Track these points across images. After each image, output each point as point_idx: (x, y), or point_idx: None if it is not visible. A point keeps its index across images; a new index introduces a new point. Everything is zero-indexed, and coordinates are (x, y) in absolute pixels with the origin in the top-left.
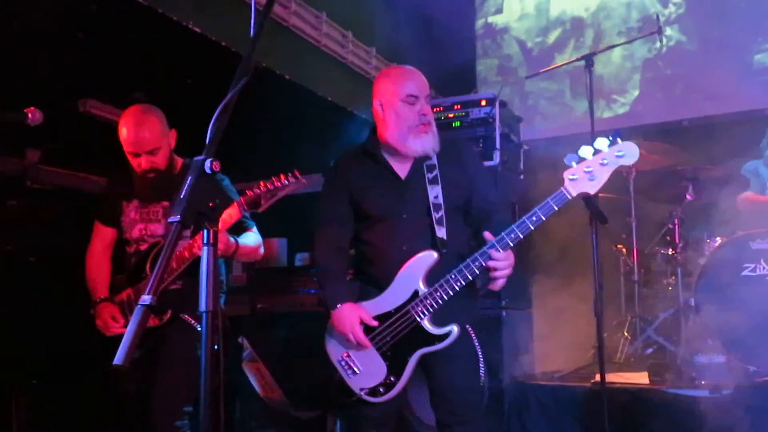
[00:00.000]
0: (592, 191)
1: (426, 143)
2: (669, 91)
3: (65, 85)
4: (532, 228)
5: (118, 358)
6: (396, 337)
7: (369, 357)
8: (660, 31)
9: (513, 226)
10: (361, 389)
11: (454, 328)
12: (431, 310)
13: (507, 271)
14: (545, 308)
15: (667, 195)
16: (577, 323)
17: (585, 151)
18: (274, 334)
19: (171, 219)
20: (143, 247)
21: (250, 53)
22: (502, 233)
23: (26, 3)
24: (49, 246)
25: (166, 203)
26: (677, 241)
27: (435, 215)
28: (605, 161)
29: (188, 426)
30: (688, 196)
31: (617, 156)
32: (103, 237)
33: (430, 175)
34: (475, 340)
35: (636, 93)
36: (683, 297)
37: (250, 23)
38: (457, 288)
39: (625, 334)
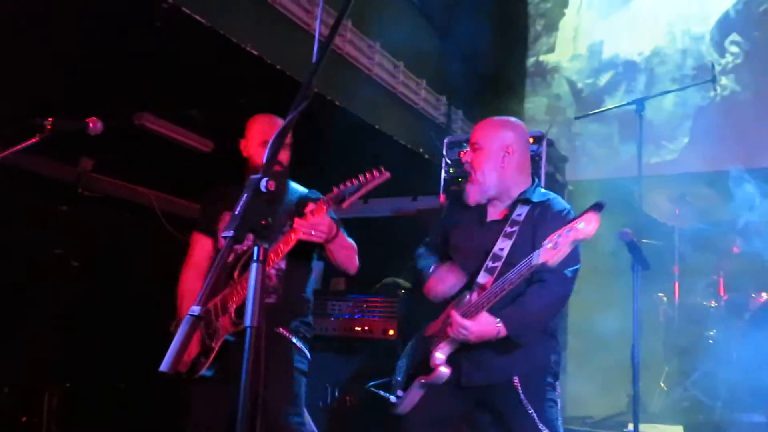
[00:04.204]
0: (550, 261)
1: (468, 191)
2: (720, 140)
3: (122, 98)
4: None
5: (165, 365)
6: (416, 359)
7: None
8: (714, 80)
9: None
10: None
11: (442, 369)
12: (439, 342)
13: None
14: (578, 351)
15: (713, 246)
16: (611, 369)
17: None
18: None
19: (225, 234)
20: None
21: (311, 79)
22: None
23: (91, 17)
24: (94, 252)
25: None
26: (721, 293)
27: (488, 263)
28: (569, 231)
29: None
30: (735, 249)
31: (578, 225)
32: (201, 248)
33: (509, 229)
34: (524, 398)
35: (686, 140)
36: (724, 351)
37: (305, 49)
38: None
39: (662, 385)
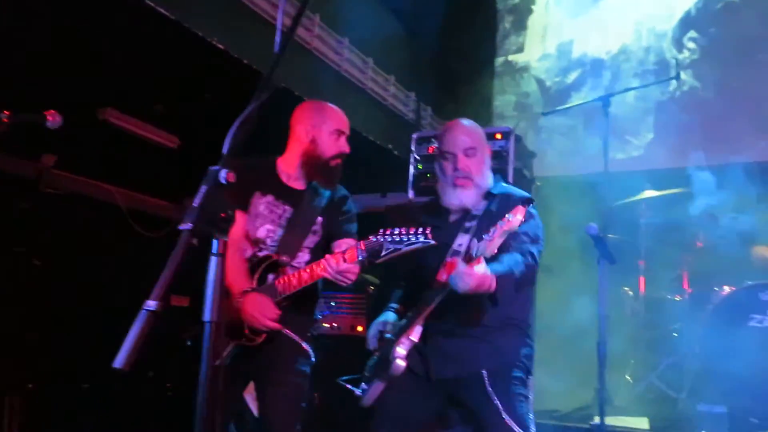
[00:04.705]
0: (486, 252)
1: (461, 197)
2: (683, 135)
3: (86, 93)
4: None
5: (118, 362)
6: (383, 354)
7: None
8: (678, 77)
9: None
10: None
11: (398, 361)
12: (401, 336)
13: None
14: (546, 345)
15: (677, 240)
16: (579, 362)
17: None
18: None
19: (182, 226)
20: (262, 254)
21: (273, 70)
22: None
23: (57, 10)
24: (56, 251)
25: (290, 208)
26: (685, 286)
27: (447, 260)
28: (501, 223)
29: None
30: (698, 244)
31: (507, 217)
32: (237, 225)
33: (467, 224)
34: (491, 391)
35: (650, 136)
36: (688, 344)
37: (274, 43)
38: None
39: (627, 377)
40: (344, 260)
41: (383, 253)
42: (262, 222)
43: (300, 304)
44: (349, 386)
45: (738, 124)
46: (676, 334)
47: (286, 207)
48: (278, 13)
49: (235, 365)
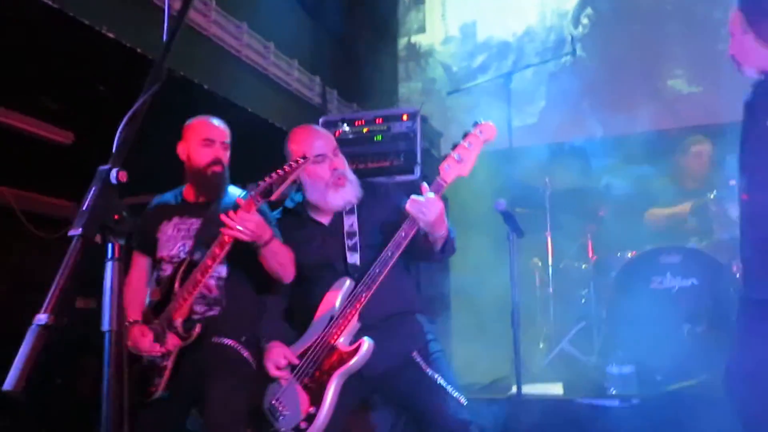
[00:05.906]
0: (465, 173)
1: (345, 195)
2: (575, 106)
3: None
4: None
5: (9, 383)
6: (315, 366)
7: (293, 395)
8: (574, 53)
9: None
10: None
11: (365, 341)
12: (343, 328)
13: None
14: (464, 321)
15: (581, 210)
16: (494, 335)
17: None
18: None
19: (72, 232)
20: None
21: (162, 59)
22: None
23: None
24: None
25: (196, 220)
26: (590, 254)
27: (348, 242)
28: (470, 144)
29: None
30: (600, 212)
31: (479, 135)
32: (138, 267)
33: (347, 208)
34: (428, 370)
35: (542, 103)
36: (595, 309)
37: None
38: (363, 299)
39: (541, 345)
40: (241, 211)
41: (274, 189)
42: (174, 241)
43: (237, 318)
44: None
45: (626, 94)
46: (584, 301)
47: (193, 220)
48: None
49: (176, 392)
